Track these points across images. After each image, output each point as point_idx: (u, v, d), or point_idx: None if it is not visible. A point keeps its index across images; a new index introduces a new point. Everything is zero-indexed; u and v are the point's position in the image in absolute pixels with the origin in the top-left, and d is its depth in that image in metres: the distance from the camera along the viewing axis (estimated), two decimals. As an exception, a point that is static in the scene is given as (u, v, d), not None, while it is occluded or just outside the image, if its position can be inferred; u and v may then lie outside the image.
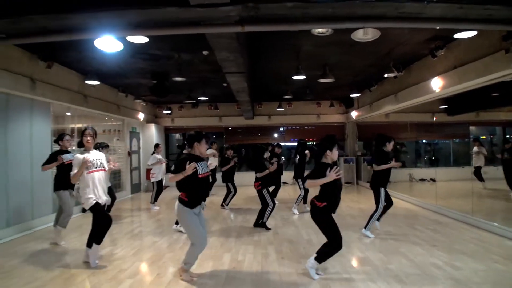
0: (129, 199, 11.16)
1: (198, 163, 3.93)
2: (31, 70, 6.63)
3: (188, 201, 3.92)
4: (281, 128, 15.08)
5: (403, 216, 7.59)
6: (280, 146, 8.68)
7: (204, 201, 4.12)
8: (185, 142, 6.37)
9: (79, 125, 9.29)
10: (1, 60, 5.87)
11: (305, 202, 8.13)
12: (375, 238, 5.78)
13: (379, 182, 6.08)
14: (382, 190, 6.00)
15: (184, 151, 8.44)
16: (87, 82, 7.69)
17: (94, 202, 4.44)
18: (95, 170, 4.50)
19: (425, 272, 4.24)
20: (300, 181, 8.05)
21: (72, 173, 4.40)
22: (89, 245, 4.61)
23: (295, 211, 7.97)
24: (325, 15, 3.05)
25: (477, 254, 4.88)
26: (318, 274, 4.14)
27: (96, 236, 4.59)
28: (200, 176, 3.93)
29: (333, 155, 4.08)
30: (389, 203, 6.04)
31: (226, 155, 8.84)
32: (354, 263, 4.64)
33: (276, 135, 15.27)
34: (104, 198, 4.58)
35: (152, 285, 4.01)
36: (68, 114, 8.72)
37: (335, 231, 4.02)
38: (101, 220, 4.55)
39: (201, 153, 4.13)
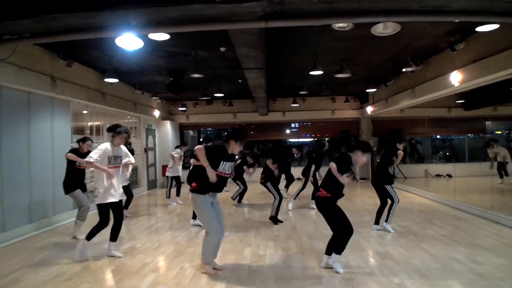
0: (145, 195, 11.31)
1: (226, 162, 3.99)
2: (51, 68, 6.75)
3: (199, 187, 3.99)
4: (295, 124, 15.05)
5: (421, 212, 7.55)
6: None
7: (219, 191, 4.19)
8: (202, 139, 6.47)
9: (97, 123, 9.44)
10: (23, 59, 5.98)
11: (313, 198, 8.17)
12: (394, 233, 5.77)
13: (382, 179, 5.99)
14: (388, 187, 5.92)
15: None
16: (106, 80, 7.79)
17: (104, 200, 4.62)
18: (113, 166, 4.65)
19: (447, 266, 4.23)
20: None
21: (92, 159, 4.45)
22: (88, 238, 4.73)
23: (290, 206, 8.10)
24: (350, 9, 3.05)
25: (498, 249, 4.85)
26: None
27: (92, 232, 4.70)
28: (219, 173, 3.98)
29: (360, 159, 4.12)
30: (390, 200, 5.99)
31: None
32: (375, 257, 4.64)
33: (288, 131, 15.27)
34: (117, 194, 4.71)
35: (176, 278, 4.08)
36: (85, 112, 8.86)
37: (344, 218, 4.07)
38: (101, 219, 4.68)
39: (233, 152, 4.16)
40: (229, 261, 4.62)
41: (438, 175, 13.86)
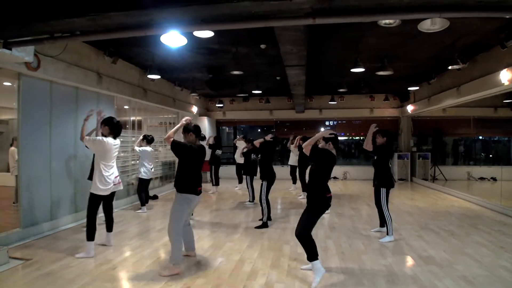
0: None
1: None
2: (97, 65, 7.02)
3: None
4: (330, 122, 14.86)
5: (464, 216, 7.26)
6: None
7: None
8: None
9: (139, 118, 9.74)
10: (72, 56, 6.25)
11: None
12: (437, 238, 5.58)
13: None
14: (383, 191, 5.51)
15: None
16: (148, 76, 8.01)
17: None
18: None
19: (494, 274, 4.06)
20: None
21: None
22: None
23: None
24: (401, 5, 2.96)
25: (550, 257, 4.60)
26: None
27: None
28: None
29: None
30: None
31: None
32: (418, 261, 4.51)
33: (323, 129, 15.09)
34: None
35: (217, 271, 4.15)
36: (126, 107, 9.14)
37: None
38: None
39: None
40: (269, 258, 4.64)
41: (481, 178, 13.31)
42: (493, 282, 3.82)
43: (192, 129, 4.31)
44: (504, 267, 4.28)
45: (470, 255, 4.70)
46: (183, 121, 4.30)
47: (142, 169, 7.56)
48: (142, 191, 7.67)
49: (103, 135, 4.87)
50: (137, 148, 7.60)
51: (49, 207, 6.00)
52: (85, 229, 4.74)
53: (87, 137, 4.76)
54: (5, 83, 7.30)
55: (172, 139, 4.08)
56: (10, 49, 4.30)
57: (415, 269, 4.24)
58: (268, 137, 6.63)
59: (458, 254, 4.77)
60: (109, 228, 5.16)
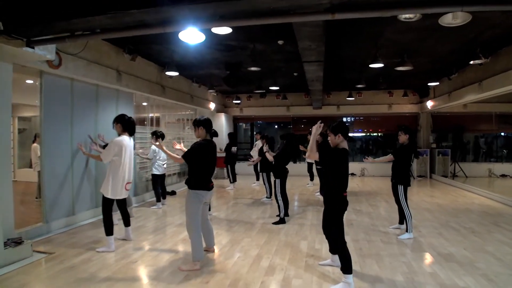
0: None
1: None
2: (117, 63, 7.12)
3: None
4: (348, 119, 14.72)
5: (485, 213, 7.12)
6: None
7: None
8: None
9: (157, 114, 9.84)
10: (92, 54, 6.36)
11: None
12: (457, 235, 5.49)
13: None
14: (400, 188, 5.39)
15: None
16: (167, 73, 8.08)
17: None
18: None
19: (517, 272, 3.98)
20: None
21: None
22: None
23: None
24: (422, -1, 2.92)
25: None
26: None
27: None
28: None
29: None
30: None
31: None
32: (438, 258, 4.44)
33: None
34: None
35: (235, 266, 4.19)
36: (145, 104, 9.26)
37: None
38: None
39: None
40: (286, 253, 4.65)
41: (503, 175, 13.01)
42: (516, 281, 3.75)
43: (202, 123, 4.26)
44: (527, 266, 4.19)
45: (492, 253, 4.61)
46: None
47: (154, 165, 7.66)
48: (157, 187, 7.77)
49: (118, 134, 4.94)
50: (155, 148, 7.49)
51: (71, 202, 6.14)
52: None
53: (102, 155, 4.85)
54: (27, 81, 7.48)
55: (180, 157, 4.14)
56: (33, 48, 4.39)
57: (435, 266, 4.18)
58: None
59: (479, 252, 4.68)
60: (127, 223, 5.22)
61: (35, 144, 8.34)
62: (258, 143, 10.21)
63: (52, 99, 5.76)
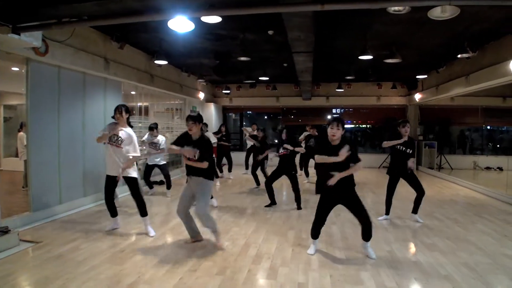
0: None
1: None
2: (105, 50, 7.02)
3: None
4: (337, 110, 14.80)
5: (469, 204, 7.28)
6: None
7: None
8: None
9: (145, 103, 9.78)
10: (80, 42, 6.26)
11: None
12: (441, 225, 5.62)
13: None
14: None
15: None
16: (155, 62, 8.02)
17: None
18: (110, 143, 4.86)
19: (496, 261, 4.10)
20: None
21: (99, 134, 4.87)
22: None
23: None
24: (410, -8, 2.95)
25: (554, 246, 4.62)
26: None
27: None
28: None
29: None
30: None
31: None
32: (421, 248, 4.55)
33: (329, 117, 15.02)
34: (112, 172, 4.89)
35: (223, 254, 4.23)
36: (133, 92, 9.18)
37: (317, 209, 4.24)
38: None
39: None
40: (274, 242, 4.72)
41: (487, 168, 13.27)
42: (495, 270, 3.86)
43: (202, 119, 4.43)
44: (507, 255, 4.30)
45: (474, 243, 4.73)
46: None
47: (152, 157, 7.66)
48: (149, 177, 7.80)
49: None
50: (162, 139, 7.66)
51: (58, 191, 6.10)
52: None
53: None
54: (13, 68, 7.36)
55: (204, 162, 4.24)
56: (19, 34, 4.32)
57: (418, 255, 4.28)
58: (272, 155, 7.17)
59: (462, 241, 4.80)
60: (141, 213, 5.05)
61: (21, 133, 8.24)
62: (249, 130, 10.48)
63: (38, 87, 5.67)
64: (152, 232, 4.98)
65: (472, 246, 4.61)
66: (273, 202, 6.81)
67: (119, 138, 4.84)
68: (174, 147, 4.35)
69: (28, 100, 5.51)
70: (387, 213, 5.92)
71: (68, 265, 3.87)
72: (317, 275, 3.70)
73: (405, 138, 5.56)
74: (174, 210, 6.39)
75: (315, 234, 4.31)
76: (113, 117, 5.03)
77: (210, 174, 4.39)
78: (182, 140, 4.36)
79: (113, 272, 3.72)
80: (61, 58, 5.86)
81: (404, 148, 5.62)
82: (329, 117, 8.47)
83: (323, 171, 4.05)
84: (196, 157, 4.21)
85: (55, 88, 6.04)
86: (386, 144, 5.71)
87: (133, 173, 4.92)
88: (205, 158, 4.21)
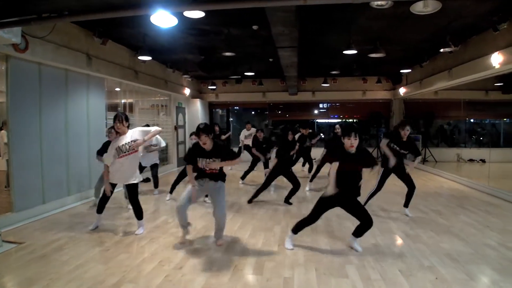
0: (176, 171, 11.54)
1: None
2: (87, 46, 6.90)
3: None
4: (324, 105, 14.87)
5: (452, 196, 7.42)
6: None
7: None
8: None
9: (130, 100, 9.67)
10: (61, 38, 6.14)
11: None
12: (425, 217, 5.71)
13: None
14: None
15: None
16: (140, 58, 7.92)
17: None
18: (123, 155, 4.66)
19: (478, 252, 4.18)
20: None
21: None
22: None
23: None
24: (391, -14, 2.96)
25: (534, 236, 4.73)
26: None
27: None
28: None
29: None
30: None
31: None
32: (405, 239, 4.63)
33: (316, 111, 15.09)
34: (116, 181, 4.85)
35: (209, 251, 4.23)
36: (117, 89, 9.07)
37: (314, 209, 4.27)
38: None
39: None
40: (260, 238, 4.74)
41: (471, 160, 13.50)
42: (477, 259, 3.94)
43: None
44: (488, 245, 4.40)
45: (457, 234, 4.82)
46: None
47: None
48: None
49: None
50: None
51: (42, 191, 6.00)
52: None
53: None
54: (-8, 66, 7.20)
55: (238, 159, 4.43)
56: (-3, 31, 4.23)
57: (403, 247, 4.35)
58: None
59: (445, 233, 4.89)
60: (137, 217, 4.98)
61: (2, 131, 8.08)
62: (244, 131, 10.49)
63: (19, 84, 5.56)
64: (141, 231, 4.95)
65: (455, 237, 4.69)
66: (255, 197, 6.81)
67: (129, 144, 4.66)
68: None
69: (8, 98, 5.39)
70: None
71: (52, 265, 3.82)
72: (302, 269, 3.72)
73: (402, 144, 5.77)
74: (160, 208, 6.44)
75: (297, 230, 4.35)
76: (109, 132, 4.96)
77: (224, 175, 4.48)
78: (196, 154, 4.29)
79: (97, 271, 3.68)
80: (42, 55, 5.74)
81: (398, 148, 5.69)
82: (340, 126, 8.47)
83: (344, 178, 4.04)
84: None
85: (36, 86, 5.91)
86: (384, 148, 5.85)
87: (135, 179, 4.84)
88: (233, 156, 4.33)
